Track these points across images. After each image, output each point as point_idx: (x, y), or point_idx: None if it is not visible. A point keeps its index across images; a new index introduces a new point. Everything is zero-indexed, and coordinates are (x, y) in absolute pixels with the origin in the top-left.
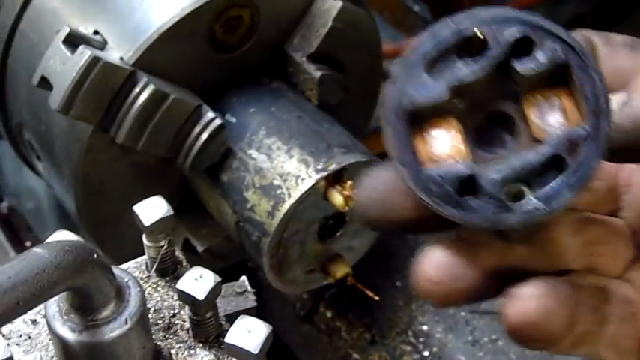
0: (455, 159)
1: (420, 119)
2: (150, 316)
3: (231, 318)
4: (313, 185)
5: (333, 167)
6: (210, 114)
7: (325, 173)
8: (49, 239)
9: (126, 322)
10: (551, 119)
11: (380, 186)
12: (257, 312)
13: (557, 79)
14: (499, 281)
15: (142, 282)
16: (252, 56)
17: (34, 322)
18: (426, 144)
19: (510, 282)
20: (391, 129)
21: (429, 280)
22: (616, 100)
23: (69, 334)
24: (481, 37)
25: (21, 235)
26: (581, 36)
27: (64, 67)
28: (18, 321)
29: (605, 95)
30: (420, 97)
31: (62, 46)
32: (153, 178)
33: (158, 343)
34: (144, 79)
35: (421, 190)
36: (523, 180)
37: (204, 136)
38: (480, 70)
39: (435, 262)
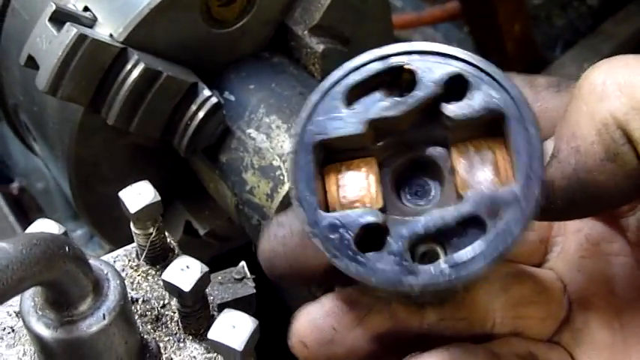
0: (364, 205)
1: (335, 156)
2: (138, 307)
3: (229, 306)
4: None
5: None
6: (207, 92)
7: None
8: (28, 230)
9: (104, 318)
10: (480, 175)
11: (286, 236)
12: (257, 299)
13: (493, 127)
14: (400, 347)
15: (131, 271)
16: (252, 31)
17: (18, 314)
18: (338, 185)
19: (415, 349)
20: (296, 163)
21: (301, 341)
22: (545, 152)
23: (44, 331)
24: (410, 71)
25: (31, 216)
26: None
27: (49, 46)
28: (1, 313)
29: (540, 156)
30: (332, 131)
31: (48, 24)
32: (150, 159)
33: (146, 336)
34: (135, 56)
35: (317, 235)
36: (437, 239)
37: (201, 115)
38: (405, 106)
39: (309, 323)
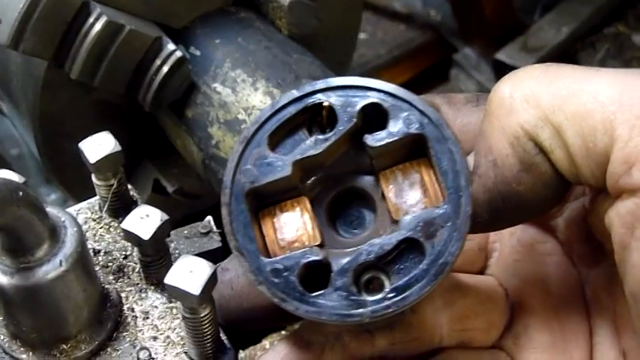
0: (303, 244)
1: (267, 200)
2: (100, 258)
3: None
4: None
5: None
6: (171, 46)
7: None
8: None
9: (61, 264)
10: (410, 197)
11: (232, 279)
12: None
13: (417, 149)
14: None
15: (94, 223)
16: None
17: None
18: (275, 228)
19: None
20: (230, 214)
21: None
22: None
23: (1, 278)
24: (327, 107)
25: None
26: (424, 99)
27: None
28: None
29: (466, 173)
30: (261, 177)
31: None
32: (118, 117)
33: (107, 286)
34: (97, 10)
35: (262, 283)
36: (379, 267)
37: (165, 69)
38: (327, 143)
39: None
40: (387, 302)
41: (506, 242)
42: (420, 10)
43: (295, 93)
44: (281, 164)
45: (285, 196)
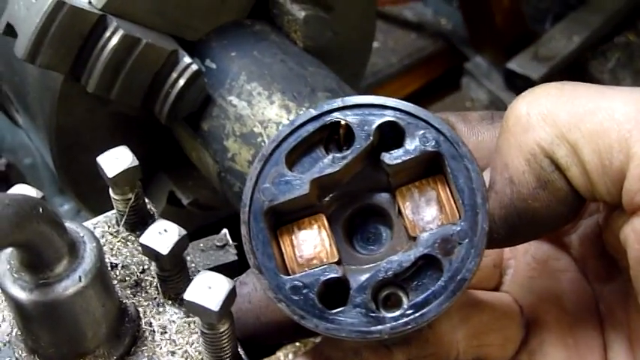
0: (321, 261)
1: (285, 218)
2: (118, 272)
3: None
4: None
5: None
6: (187, 59)
7: None
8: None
9: (80, 280)
10: (426, 214)
11: (251, 293)
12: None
13: (433, 166)
14: None
15: (111, 237)
16: None
17: None
18: (293, 246)
19: None
20: (249, 232)
21: None
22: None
23: (20, 293)
24: (344, 125)
25: None
26: (440, 117)
27: (28, 12)
28: None
29: (482, 190)
30: (279, 195)
31: None
32: (134, 129)
33: (125, 300)
34: (114, 23)
35: (282, 300)
36: (397, 283)
37: (181, 82)
38: (344, 161)
39: None
40: (405, 319)
41: (521, 259)
42: (430, 19)
43: (313, 112)
44: (299, 183)
45: (303, 214)
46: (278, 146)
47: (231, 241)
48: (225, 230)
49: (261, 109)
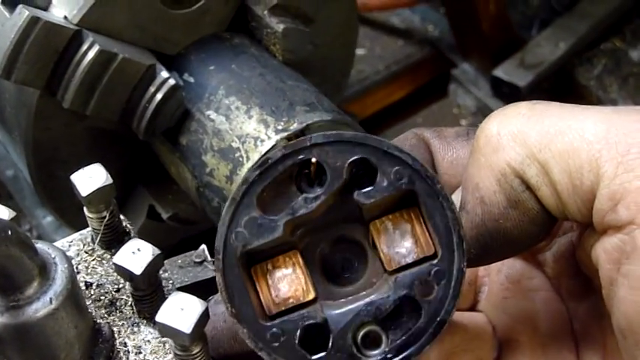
0: (298, 299)
1: (259, 255)
2: (92, 291)
3: (189, 290)
4: (273, 147)
5: (294, 127)
6: (164, 74)
7: (285, 134)
8: None
9: (51, 302)
10: (402, 247)
11: (225, 312)
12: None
13: (406, 199)
14: None
15: (86, 255)
16: (211, 11)
17: None
18: (268, 285)
19: None
20: (224, 280)
21: None
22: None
23: None
24: (315, 162)
25: (1, 203)
26: (413, 134)
27: (2, 28)
28: None
29: (459, 228)
30: (253, 240)
31: (1, 7)
32: (112, 144)
33: (99, 320)
34: (89, 38)
35: (262, 349)
36: (376, 320)
37: (159, 97)
38: (317, 201)
39: None
40: None
41: (495, 278)
42: (418, 26)
43: (282, 152)
44: (273, 225)
45: (277, 251)
46: (249, 188)
47: (209, 257)
48: (203, 246)
49: (239, 123)
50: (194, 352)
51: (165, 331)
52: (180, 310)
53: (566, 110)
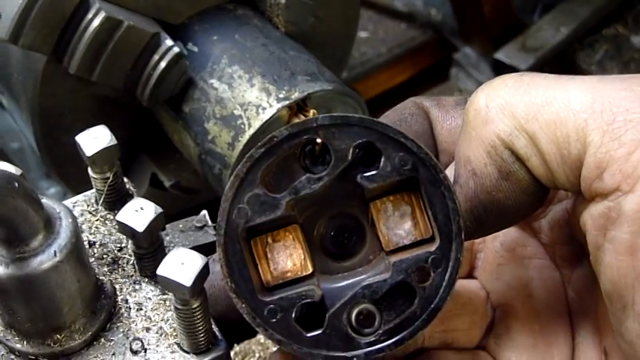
0: (296, 273)
1: (260, 230)
2: (95, 250)
3: None
4: (275, 114)
5: (295, 96)
6: (169, 42)
7: (287, 102)
8: None
9: (55, 255)
10: (400, 229)
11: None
12: None
13: (408, 182)
14: None
15: (89, 215)
16: None
17: None
18: (267, 258)
19: None
20: (226, 255)
21: None
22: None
23: None
24: (320, 144)
25: None
26: (412, 103)
27: None
28: None
29: (458, 218)
30: (255, 216)
31: None
32: (116, 111)
33: (102, 277)
34: (96, 5)
35: (260, 325)
36: (372, 299)
37: (162, 65)
38: (320, 182)
39: None
40: (380, 345)
41: (490, 246)
42: (421, 10)
43: (288, 130)
44: (275, 203)
45: (277, 224)
46: (253, 165)
47: (210, 222)
48: (204, 211)
49: (241, 91)
50: (194, 307)
51: (166, 284)
52: (181, 264)
53: (552, 81)
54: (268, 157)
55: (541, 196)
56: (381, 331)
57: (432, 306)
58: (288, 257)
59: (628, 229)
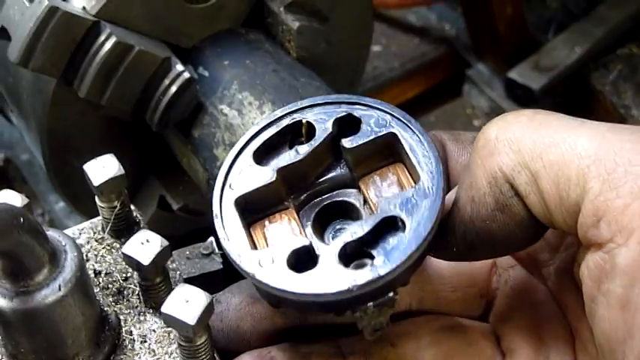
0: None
1: (258, 215)
2: (101, 279)
3: (196, 281)
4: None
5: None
6: (179, 67)
7: None
8: None
9: (60, 289)
10: (389, 194)
11: (224, 312)
12: (224, 275)
13: (391, 153)
14: None
15: (96, 243)
16: (228, 6)
17: None
18: (265, 238)
19: None
20: (220, 219)
21: None
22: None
23: (0, 301)
24: (306, 125)
25: (16, 187)
26: (431, 135)
27: (22, 17)
28: None
29: (436, 154)
30: (248, 185)
31: None
32: (125, 133)
33: (106, 308)
34: (107, 30)
35: (252, 275)
36: (363, 251)
37: (173, 89)
38: (308, 149)
39: None
40: (372, 275)
41: (502, 290)
42: (434, 24)
43: (276, 113)
44: (265, 173)
45: (274, 210)
46: (246, 145)
47: (217, 250)
48: (211, 238)
49: (251, 118)
50: (198, 344)
51: (170, 321)
52: (186, 302)
53: (563, 122)
54: (260, 138)
55: (537, 232)
56: (378, 262)
57: (421, 232)
58: (285, 234)
59: (620, 283)
